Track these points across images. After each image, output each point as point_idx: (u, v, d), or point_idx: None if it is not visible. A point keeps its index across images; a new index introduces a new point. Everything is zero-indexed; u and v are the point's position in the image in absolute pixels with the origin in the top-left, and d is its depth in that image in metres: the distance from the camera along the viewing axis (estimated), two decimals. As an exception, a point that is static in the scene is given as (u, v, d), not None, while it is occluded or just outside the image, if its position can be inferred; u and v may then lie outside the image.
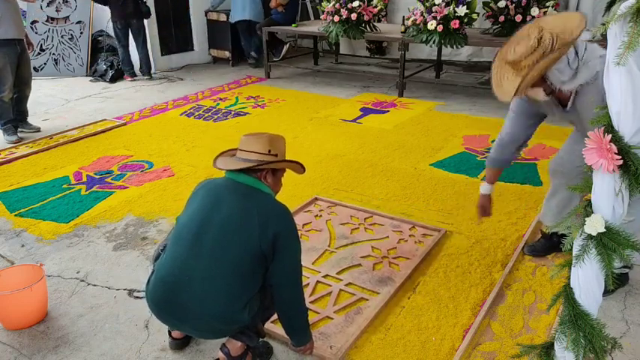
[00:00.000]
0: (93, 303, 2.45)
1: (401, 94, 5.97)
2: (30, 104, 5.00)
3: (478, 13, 5.34)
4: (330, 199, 3.40)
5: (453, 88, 6.24)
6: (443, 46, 5.52)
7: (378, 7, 6.04)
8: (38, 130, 4.93)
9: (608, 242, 1.35)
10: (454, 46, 5.38)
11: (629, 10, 1.21)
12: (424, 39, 5.41)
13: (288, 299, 1.89)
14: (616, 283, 1.41)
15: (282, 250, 1.80)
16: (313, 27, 6.74)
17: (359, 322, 2.24)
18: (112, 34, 6.96)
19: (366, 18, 5.91)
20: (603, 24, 1.30)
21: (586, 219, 1.38)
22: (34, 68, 6.66)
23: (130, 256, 2.83)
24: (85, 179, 3.83)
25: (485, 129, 4.72)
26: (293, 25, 6.82)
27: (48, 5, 7.22)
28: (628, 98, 1.27)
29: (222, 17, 7.61)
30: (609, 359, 2.02)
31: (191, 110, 5.56)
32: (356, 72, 7.21)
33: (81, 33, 7.26)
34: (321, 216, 3.19)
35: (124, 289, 2.54)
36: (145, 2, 6.79)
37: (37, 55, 7.09)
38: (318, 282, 2.54)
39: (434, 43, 5.36)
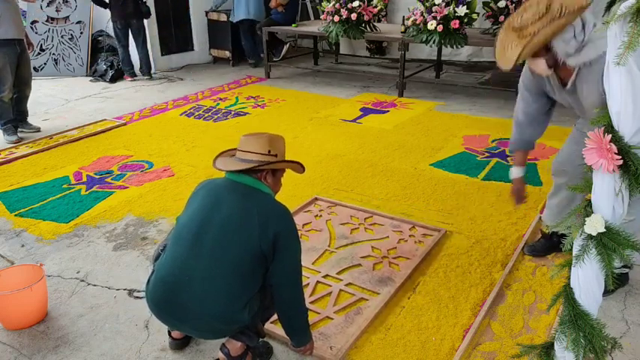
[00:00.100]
0: (93, 303, 2.45)
1: (401, 94, 5.97)
2: (30, 104, 5.00)
3: (478, 13, 5.34)
4: (330, 199, 3.40)
5: (453, 88, 6.24)
6: (443, 46, 5.52)
7: (378, 7, 6.04)
8: (38, 130, 4.93)
9: (608, 242, 1.35)
10: (454, 46, 5.39)
11: (629, 10, 1.21)
12: (424, 39, 5.41)
13: (288, 299, 1.89)
14: (616, 283, 1.41)
15: (282, 250, 1.80)
16: (313, 27, 6.74)
17: (359, 323, 2.24)
18: (112, 34, 6.97)
19: (366, 18, 5.91)
20: (603, 24, 1.30)
21: (586, 219, 1.38)
22: (34, 68, 6.66)
23: (130, 256, 2.83)
24: (85, 179, 3.83)
25: (485, 129, 4.72)
26: (293, 25, 6.82)
27: (48, 5, 7.23)
28: (628, 98, 1.27)
29: (223, 17, 7.61)
30: (609, 359, 2.02)
31: (191, 110, 5.56)
32: (356, 72, 7.21)
33: (81, 33, 7.27)
34: (321, 216, 3.19)
35: (124, 289, 2.54)
36: (145, 2, 6.79)
37: (37, 55, 7.09)
38: (318, 282, 2.54)
39: (434, 43, 5.36)
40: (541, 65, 1.99)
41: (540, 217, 3.06)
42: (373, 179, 3.73)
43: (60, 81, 7.01)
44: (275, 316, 2.01)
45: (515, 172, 2.56)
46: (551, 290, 2.42)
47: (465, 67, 7.38)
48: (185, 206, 1.97)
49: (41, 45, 7.16)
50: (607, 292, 1.83)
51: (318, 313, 2.30)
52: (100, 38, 7.43)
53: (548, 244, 2.72)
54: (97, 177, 3.86)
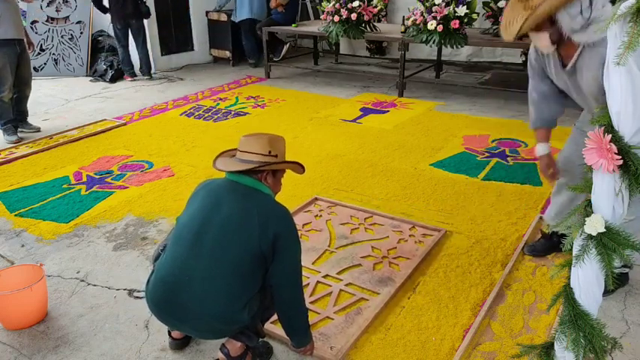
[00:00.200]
0: (93, 303, 2.45)
1: (401, 94, 5.97)
2: (30, 104, 5.00)
3: (478, 13, 5.34)
4: (330, 199, 3.40)
5: (453, 88, 6.24)
6: (443, 46, 5.52)
7: (378, 7, 6.04)
8: (38, 130, 4.93)
9: (608, 242, 1.35)
10: (454, 46, 5.38)
11: (629, 10, 1.21)
12: (424, 39, 5.41)
13: (288, 300, 1.89)
14: (616, 283, 1.41)
15: (283, 251, 1.80)
16: (313, 27, 6.74)
17: (359, 323, 2.24)
18: (112, 34, 6.97)
19: (366, 18, 5.91)
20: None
21: (586, 219, 1.38)
22: (34, 68, 6.66)
23: (130, 256, 2.83)
24: (85, 179, 3.83)
25: (485, 129, 4.72)
26: (293, 25, 6.82)
27: (48, 5, 7.23)
28: (628, 98, 1.27)
29: (223, 17, 7.62)
30: (609, 359, 2.02)
31: (191, 110, 5.56)
32: (356, 72, 7.21)
33: (81, 33, 7.27)
34: (321, 216, 3.19)
35: (124, 289, 2.54)
36: (145, 2, 6.79)
37: (37, 55, 7.09)
38: (318, 282, 2.54)
39: (434, 43, 5.36)
40: (544, 40, 1.98)
41: (540, 217, 3.06)
42: (373, 179, 3.73)
43: (60, 81, 7.01)
44: (275, 316, 2.01)
45: (540, 149, 2.46)
46: (551, 290, 2.42)
47: (465, 67, 7.38)
48: (185, 206, 1.97)
49: (41, 45, 7.17)
50: (607, 292, 1.83)
51: (318, 314, 2.30)
52: (100, 38, 7.43)
53: (548, 244, 2.72)
54: (97, 177, 3.86)
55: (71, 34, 7.25)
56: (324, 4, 6.15)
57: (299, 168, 2.00)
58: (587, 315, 1.44)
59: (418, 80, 6.45)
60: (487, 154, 4.13)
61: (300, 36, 8.77)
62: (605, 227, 1.35)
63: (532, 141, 4.30)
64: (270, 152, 1.87)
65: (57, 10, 7.24)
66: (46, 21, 7.24)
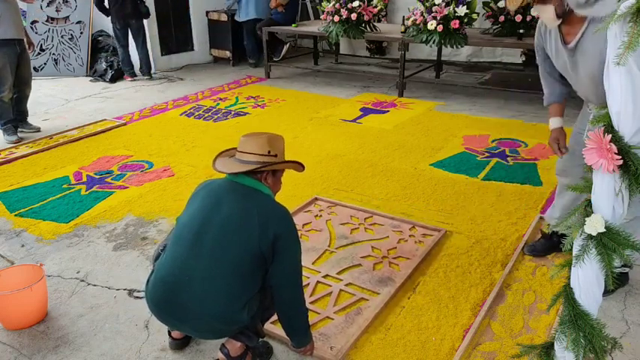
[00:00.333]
0: (93, 303, 2.45)
1: (401, 94, 5.97)
2: (30, 104, 5.00)
3: (478, 13, 5.34)
4: (330, 199, 3.40)
5: (453, 88, 6.24)
6: (443, 46, 5.52)
7: (378, 7, 6.04)
8: (38, 130, 4.93)
9: (608, 242, 1.35)
10: (454, 46, 5.38)
11: (629, 10, 1.21)
12: (424, 39, 5.41)
13: (288, 300, 1.89)
14: (616, 283, 1.41)
15: (283, 251, 1.80)
16: (313, 27, 6.74)
17: (359, 323, 2.24)
18: (112, 34, 6.97)
19: (366, 18, 5.91)
20: None
21: (586, 219, 1.38)
22: (34, 68, 6.66)
23: (130, 256, 2.83)
24: (85, 179, 3.83)
25: (485, 129, 4.72)
26: (293, 25, 6.82)
27: (48, 5, 7.22)
28: (628, 98, 1.27)
29: (223, 17, 7.62)
30: (609, 359, 2.02)
31: (191, 110, 5.56)
32: (356, 72, 7.21)
33: (81, 33, 7.26)
34: (321, 216, 3.19)
35: (124, 289, 2.54)
36: (144, 2, 6.79)
37: (37, 55, 7.09)
38: (318, 282, 2.54)
39: (434, 43, 5.36)
40: (549, 13, 1.97)
41: (540, 217, 3.06)
42: (373, 179, 3.73)
43: (60, 81, 7.01)
44: (275, 316, 2.01)
45: (553, 123, 2.46)
46: (551, 290, 2.42)
47: (465, 67, 7.38)
48: (185, 206, 1.97)
49: (41, 45, 7.16)
50: (607, 292, 1.83)
51: (319, 314, 2.30)
52: (100, 38, 7.42)
53: (548, 244, 2.72)
54: (97, 177, 3.86)
55: (71, 34, 7.25)
56: (324, 4, 6.15)
57: (299, 167, 2.00)
58: (587, 315, 1.44)
59: (418, 80, 6.45)
60: (487, 154, 4.13)
61: (300, 36, 8.77)
62: (605, 227, 1.35)
63: (532, 141, 4.33)
64: (269, 152, 1.87)
65: (57, 10, 7.24)
66: (46, 21, 7.24)
